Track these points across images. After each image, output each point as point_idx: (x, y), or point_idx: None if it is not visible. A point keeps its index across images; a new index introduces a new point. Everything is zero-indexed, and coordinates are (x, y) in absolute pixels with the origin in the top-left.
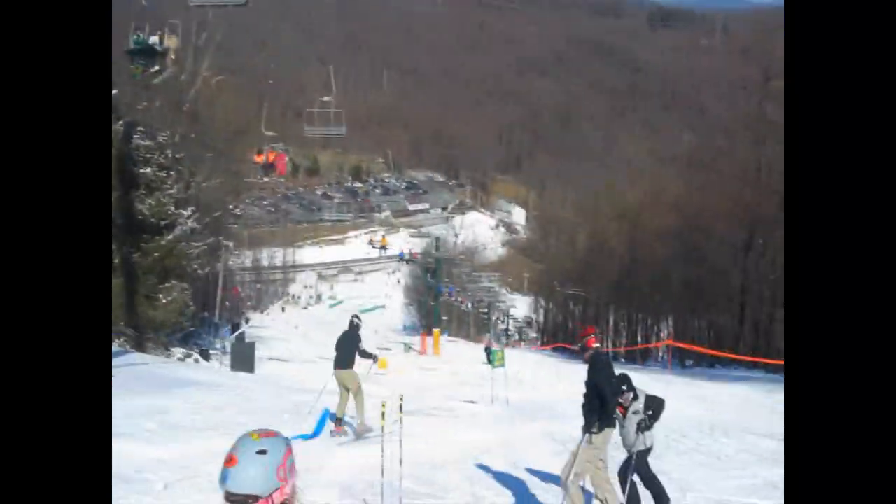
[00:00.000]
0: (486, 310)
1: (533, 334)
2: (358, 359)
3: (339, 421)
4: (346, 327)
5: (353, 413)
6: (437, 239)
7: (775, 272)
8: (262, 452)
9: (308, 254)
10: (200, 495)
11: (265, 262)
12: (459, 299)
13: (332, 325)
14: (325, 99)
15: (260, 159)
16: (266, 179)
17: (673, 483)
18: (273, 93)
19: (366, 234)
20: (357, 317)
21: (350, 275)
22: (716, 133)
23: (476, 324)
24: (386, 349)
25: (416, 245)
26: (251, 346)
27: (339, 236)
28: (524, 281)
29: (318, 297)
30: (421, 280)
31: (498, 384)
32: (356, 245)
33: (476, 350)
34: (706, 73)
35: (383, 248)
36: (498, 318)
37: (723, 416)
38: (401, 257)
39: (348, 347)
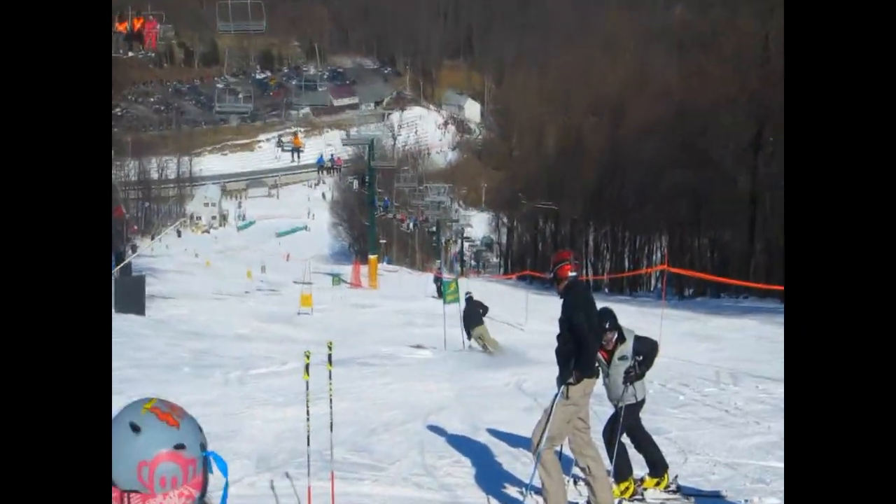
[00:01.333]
0: (434, 230)
1: (494, 260)
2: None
3: None
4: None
5: None
6: (371, 142)
7: None
8: (135, 429)
9: (209, 163)
10: None
11: (154, 175)
12: (399, 217)
13: (240, 252)
14: None
15: (123, 28)
16: (131, 54)
17: (671, 444)
18: None
19: (280, 137)
20: None
21: (262, 188)
22: (713, 3)
23: (423, 248)
24: (308, 283)
25: (343, 151)
26: (139, 281)
27: (247, 140)
28: (481, 193)
29: (223, 218)
30: (351, 194)
31: (451, 324)
32: (269, 151)
33: (423, 281)
34: None
35: (296, 150)
36: (450, 241)
37: (730, 358)
38: (320, 164)
39: None
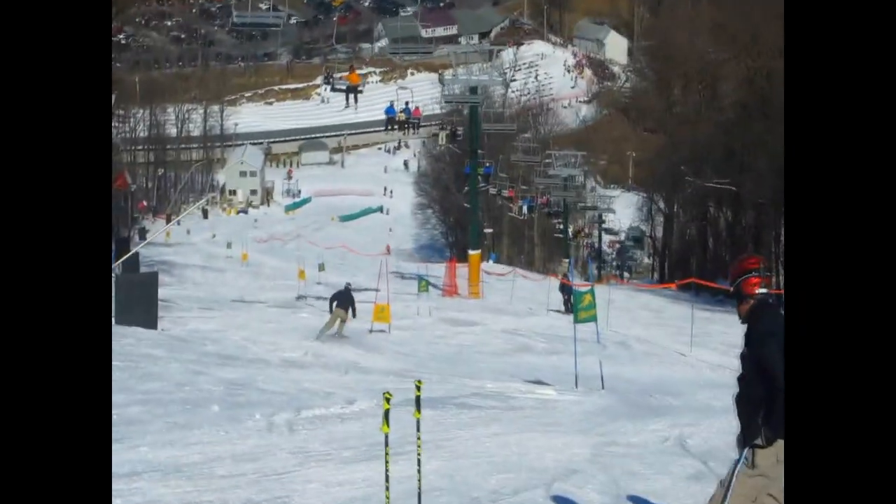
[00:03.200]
0: (560, 217)
1: (645, 261)
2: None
3: None
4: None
5: None
6: (474, 90)
7: None
8: None
9: (248, 116)
10: None
11: (172, 131)
12: (507, 193)
13: (290, 242)
14: None
15: None
16: None
17: None
18: None
19: (328, 72)
20: None
21: (321, 152)
22: None
23: (545, 242)
24: (377, 291)
25: (429, 99)
26: (150, 280)
27: (301, 84)
28: (628, 165)
29: (268, 193)
30: (445, 164)
31: (586, 352)
32: (333, 101)
33: (545, 289)
34: None
35: (353, 90)
36: (583, 233)
37: None
38: (389, 114)
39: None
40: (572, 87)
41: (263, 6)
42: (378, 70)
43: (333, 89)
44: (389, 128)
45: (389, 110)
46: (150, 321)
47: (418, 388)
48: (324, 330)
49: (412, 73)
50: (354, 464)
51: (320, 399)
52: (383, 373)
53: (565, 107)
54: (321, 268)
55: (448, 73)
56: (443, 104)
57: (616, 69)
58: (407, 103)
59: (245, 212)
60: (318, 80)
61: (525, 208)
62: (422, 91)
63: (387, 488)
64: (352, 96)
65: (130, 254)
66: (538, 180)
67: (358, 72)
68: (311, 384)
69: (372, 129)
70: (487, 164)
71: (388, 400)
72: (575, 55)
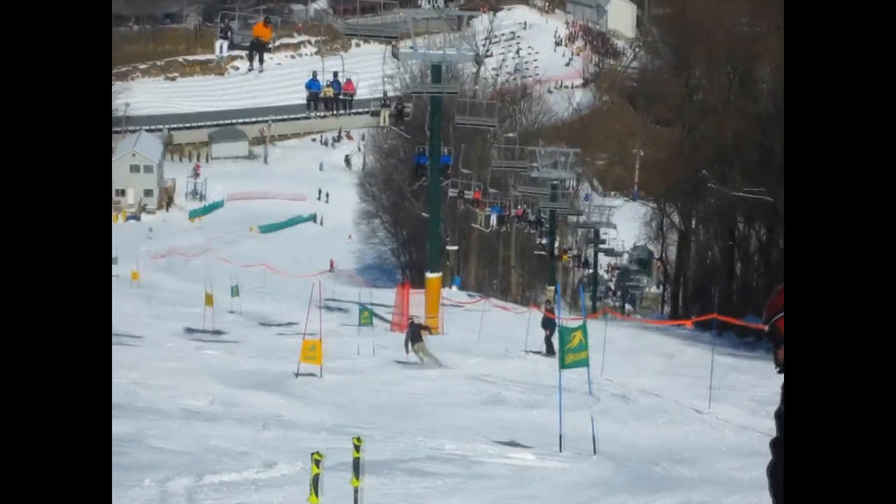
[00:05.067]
0: (544, 232)
1: (653, 290)
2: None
3: None
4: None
5: None
6: (438, 69)
7: None
8: None
9: (143, 93)
10: None
11: None
12: (472, 195)
13: (195, 258)
14: None
15: None
16: None
17: None
18: None
19: (274, 48)
20: None
21: (237, 143)
22: None
23: (524, 265)
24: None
25: (367, 73)
26: None
27: (213, 56)
28: (633, 167)
29: (167, 195)
30: (398, 159)
31: (575, 406)
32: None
33: (525, 325)
34: None
35: (259, 47)
36: (574, 252)
37: None
38: (312, 90)
39: None
40: (566, 66)
41: None
42: (313, 39)
43: (232, 46)
44: (312, 108)
45: (312, 84)
46: None
47: (357, 448)
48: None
49: (357, 45)
50: None
51: (231, 461)
52: (312, 428)
53: (552, 91)
54: (235, 292)
55: (404, 46)
56: (396, 86)
57: (621, 44)
58: (336, 74)
59: (137, 218)
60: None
61: (493, 218)
62: (369, 68)
63: None
64: (256, 56)
65: None
66: (520, 188)
67: (288, 41)
68: (219, 441)
69: (303, 116)
70: (445, 153)
71: (317, 463)
72: (568, 24)
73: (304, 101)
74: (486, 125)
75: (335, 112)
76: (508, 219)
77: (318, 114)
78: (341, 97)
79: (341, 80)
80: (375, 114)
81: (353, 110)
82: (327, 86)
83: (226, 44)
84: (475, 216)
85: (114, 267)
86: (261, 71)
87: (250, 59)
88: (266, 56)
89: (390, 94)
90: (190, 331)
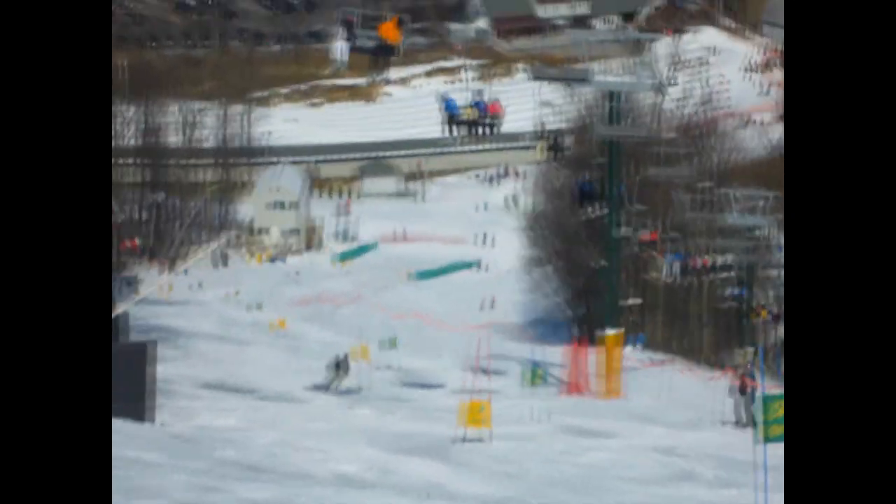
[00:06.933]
0: (736, 286)
1: None
2: None
3: None
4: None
5: None
6: (615, 97)
7: None
8: None
9: (286, 121)
10: None
11: (174, 139)
12: (647, 237)
13: (344, 305)
14: None
15: None
16: None
17: None
18: None
19: (428, 73)
20: None
21: (389, 178)
22: None
23: (717, 322)
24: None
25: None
26: (141, 352)
27: (362, 79)
28: None
29: (313, 234)
30: (564, 202)
31: (778, 487)
32: (404, 102)
33: (719, 391)
34: None
35: (385, 51)
36: (770, 309)
37: None
38: (451, 112)
39: None
40: (756, 96)
41: None
42: (473, 62)
43: (354, 49)
44: (450, 132)
45: (450, 105)
46: (139, 411)
47: None
48: None
49: (525, 71)
50: None
51: None
52: (478, 500)
53: (749, 122)
54: (392, 344)
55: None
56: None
57: None
58: (480, 92)
59: (281, 260)
60: (392, 75)
61: (676, 266)
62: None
63: None
64: (381, 60)
65: (114, 315)
66: (719, 242)
67: (444, 64)
68: None
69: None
70: (621, 185)
71: None
72: (763, 50)
73: (444, 125)
74: (680, 177)
75: (477, 135)
76: (693, 270)
77: (456, 137)
78: (485, 121)
79: (486, 101)
80: (528, 148)
81: (510, 145)
82: (469, 107)
83: (346, 46)
84: (650, 264)
85: (255, 313)
86: (383, 77)
87: (374, 65)
88: (423, 81)
89: (557, 125)
90: (340, 386)
